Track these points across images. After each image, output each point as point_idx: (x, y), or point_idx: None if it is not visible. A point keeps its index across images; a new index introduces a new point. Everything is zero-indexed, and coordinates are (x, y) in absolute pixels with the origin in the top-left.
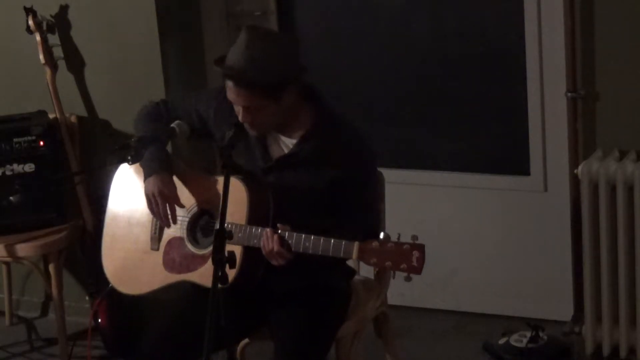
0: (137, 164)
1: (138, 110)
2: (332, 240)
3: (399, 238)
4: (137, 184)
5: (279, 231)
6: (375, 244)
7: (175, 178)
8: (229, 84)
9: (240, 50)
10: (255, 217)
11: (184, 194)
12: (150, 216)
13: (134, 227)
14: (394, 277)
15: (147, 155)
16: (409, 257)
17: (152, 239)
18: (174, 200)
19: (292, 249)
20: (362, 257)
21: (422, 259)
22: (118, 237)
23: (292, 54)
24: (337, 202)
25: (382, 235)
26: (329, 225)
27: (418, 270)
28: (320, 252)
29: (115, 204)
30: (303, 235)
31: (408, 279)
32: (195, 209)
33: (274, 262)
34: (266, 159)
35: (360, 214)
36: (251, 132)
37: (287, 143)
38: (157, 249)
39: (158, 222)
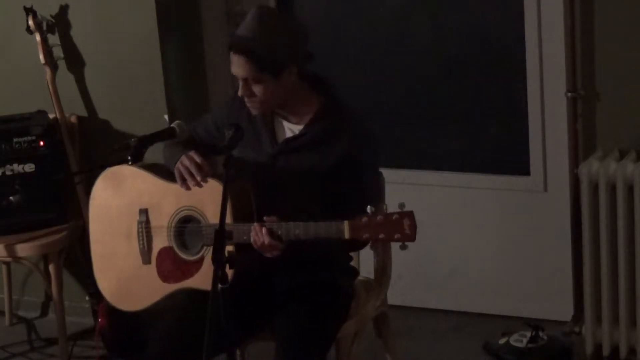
0: (107, 178)
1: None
2: (322, 223)
3: (386, 209)
4: (115, 201)
5: (266, 224)
6: (365, 219)
7: (155, 188)
8: (231, 54)
9: (247, 23)
10: (240, 213)
11: (166, 203)
12: (136, 230)
13: (121, 243)
14: None
15: (166, 154)
16: (400, 226)
17: (141, 253)
18: (203, 163)
19: (284, 239)
20: (354, 233)
21: (413, 226)
22: (108, 257)
23: (299, 37)
24: (340, 184)
25: (368, 209)
26: (331, 211)
27: (412, 238)
28: (312, 237)
29: (97, 224)
30: (292, 223)
31: (404, 247)
32: (178, 216)
33: (269, 255)
34: (274, 144)
35: (362, 194)
36: (253, 111)
37: (294, 129)
38: (149, 262)
39: (145, 235)
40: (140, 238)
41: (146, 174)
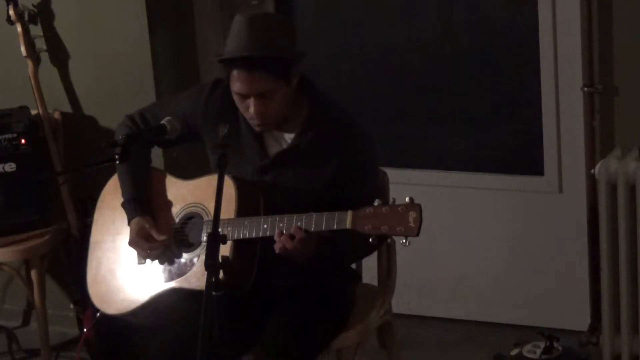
0: (114, 192)
1: (116, 127)
2: (325, 214)
3: (394, 202)
4: (120, 201)
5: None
6: (369, 209)
7: (162, 186)
8: (240, 73)
9: (244, 35)
10: (245, 210)
11: (171, 201)
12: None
13: (119, 245)
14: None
15: (122, 178)
16: (405, 218)
17: (138, 252)
18: (159, 239)
19: (285, 232)
20: (356, 223)
21: (419, 220)
22: (103, 262)
23: (292, 32)
24: (337, 197)
25: (376, 202)
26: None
27: (414, 231)
28: (313, 228)
29: (99, 227)
30: (294, 216)
31: (406, 243)
32: (183, 213)
33: (300, 255)
34: (263, 157)
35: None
36: (258, 128)
37: (286, 137)
38: (144, 262)
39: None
40: None
41: (157, 172)
